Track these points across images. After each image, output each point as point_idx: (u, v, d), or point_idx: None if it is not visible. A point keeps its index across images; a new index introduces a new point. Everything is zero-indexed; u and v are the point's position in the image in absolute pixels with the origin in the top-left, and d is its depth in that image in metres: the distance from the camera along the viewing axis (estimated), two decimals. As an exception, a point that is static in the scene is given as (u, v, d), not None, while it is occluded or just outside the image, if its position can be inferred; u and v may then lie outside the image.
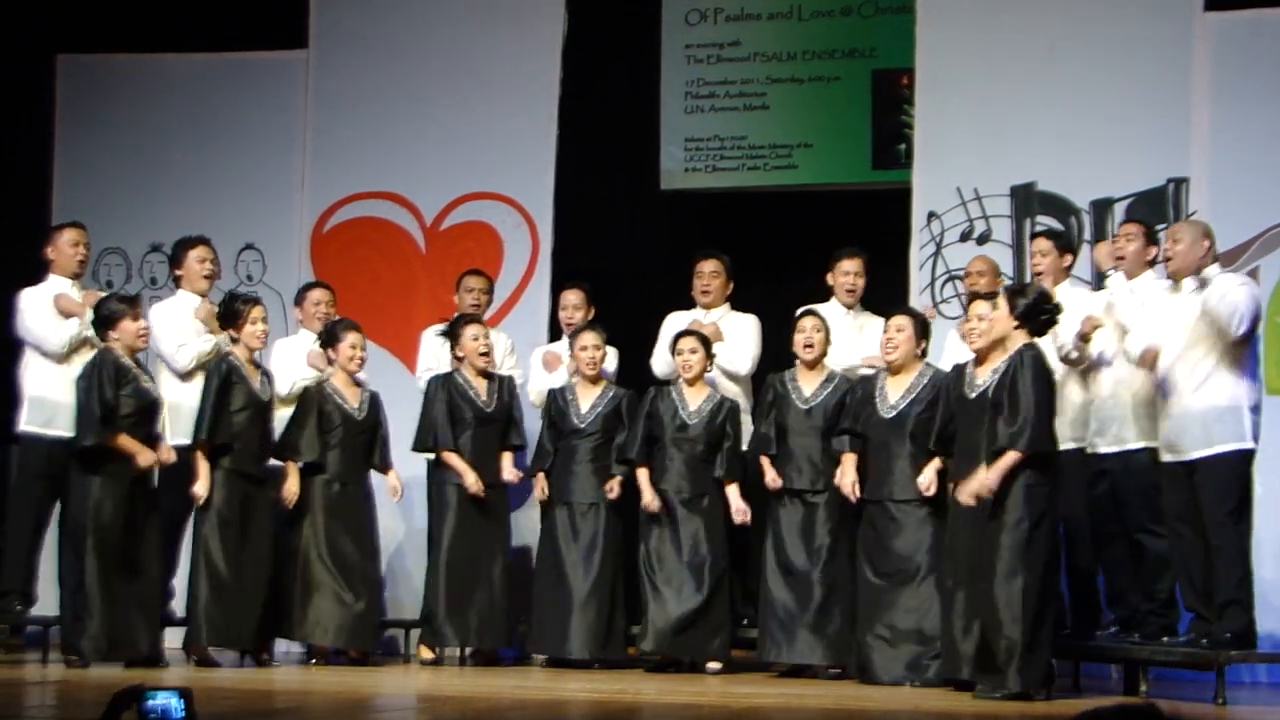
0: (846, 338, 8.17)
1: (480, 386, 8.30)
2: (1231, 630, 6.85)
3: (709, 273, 8.58)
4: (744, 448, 8.10)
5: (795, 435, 7.84)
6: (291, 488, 7.98)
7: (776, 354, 8.51)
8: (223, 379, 7.81)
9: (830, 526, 7.71)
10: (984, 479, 6.68)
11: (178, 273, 8.45)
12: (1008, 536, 6.66)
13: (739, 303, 8.65)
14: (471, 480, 8.16)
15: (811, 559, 7.71)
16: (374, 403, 8.26)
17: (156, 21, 10.03)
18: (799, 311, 8.04)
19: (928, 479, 7.31)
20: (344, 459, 8.09)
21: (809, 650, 7.67)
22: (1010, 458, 6.67)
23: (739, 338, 8.44)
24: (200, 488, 7.74)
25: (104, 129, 9.99)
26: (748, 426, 8.17)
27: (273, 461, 8.07)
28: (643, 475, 8.06)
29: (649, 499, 7.98)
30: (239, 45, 9.99)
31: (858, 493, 7.54)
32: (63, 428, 7.89)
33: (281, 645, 8.29)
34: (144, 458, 7.49)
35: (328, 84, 9.87)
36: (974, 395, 6.94)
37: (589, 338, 8.27)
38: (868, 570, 7.49)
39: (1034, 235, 8.28)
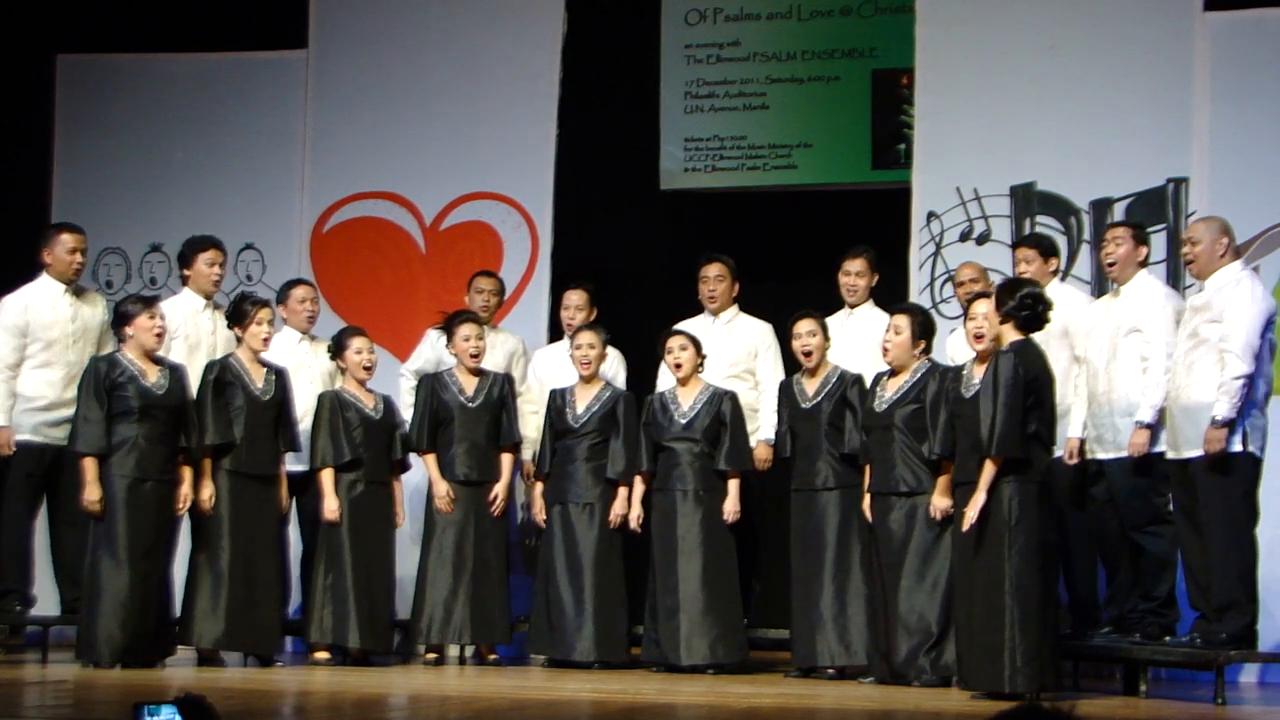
0: (846, 337, 8.17)
1: (468, 383, 8.30)
2: (1229, 631, 6.85)
3: (714, 276, 8.58)
4: (750, 436, 8.17)
5: (802, 436, 7.86)
6: (331, 505, 8.01)
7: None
8: (215, 381, 7.81)
9: (840, 523, 7.71)
10: (973, 500, 6.74)
11: (185, 272, 8.44)
12: (999, 537, 6.67)
13: (741, 304, 8.66)
14: (442, 491, 8.19)
15: (827, 556, 7.70)
16: (388, 404, 8.29)
17: (156, 21, 10.03)
18: (796, 314, 8.03)
19: (944, 503, 7.23)
20: (367, 460, 8.11)
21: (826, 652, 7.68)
22: (987, 467, 6.71)
23: (764, 359, 8.46)
24: (205, 492, 7.74)
25: (104, 129, 9.99)
26: (750, 415, 8.24)
27: (293, 467, 8.09)
28: (638, 489, 8.09)
29: (635, 516, 8.05)
30: (239, 45, 9.99)
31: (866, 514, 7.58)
32: (52, 430, 7.98)
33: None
34: (90, 493, 7.47)
35: (328, 84, 9.87)
36: (969, 396, 6.96)
37: (586, 337, 8.28)
38: (876, 564, 7.50)
39: (1016, 242, 8.28)
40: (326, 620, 7.98)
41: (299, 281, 8.79)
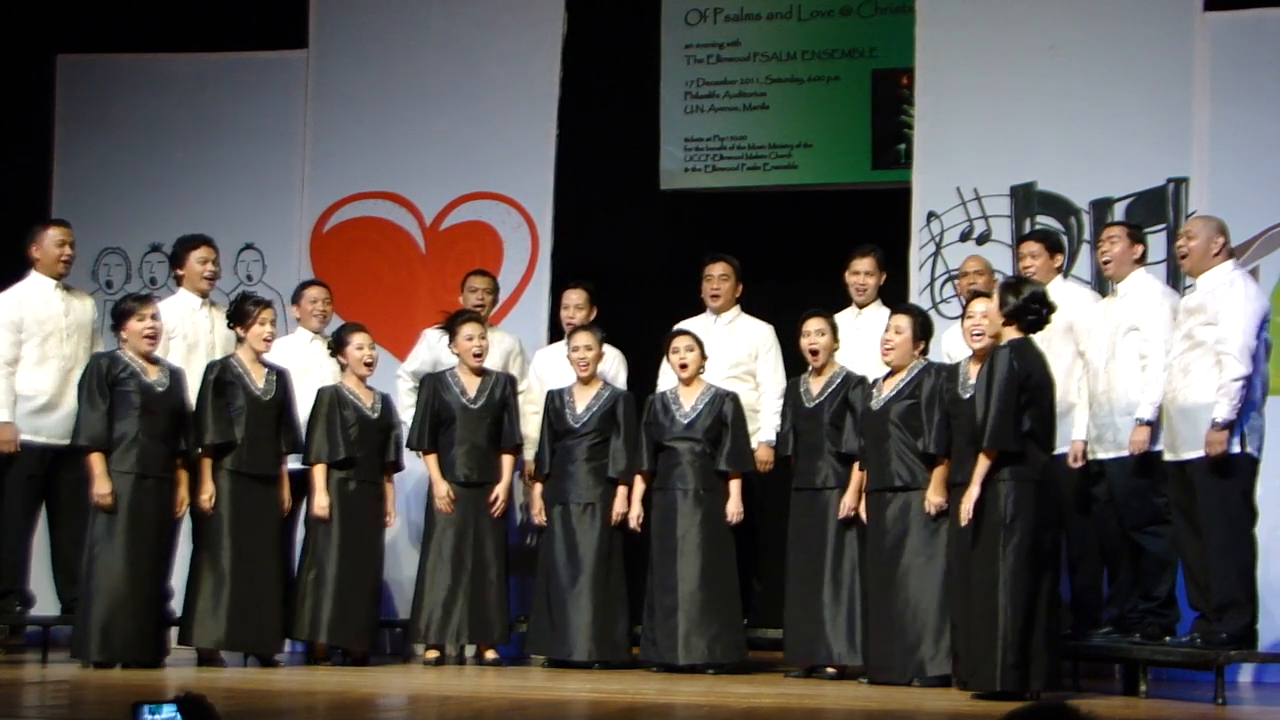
0: (856, 337, 8.16)
1: (470, 383, 8.30)
2: (1229, 631, 6.85)
3: (718, 276, 8.58)
4: (751, 437, 8.17)
5: (805, 435, 7.86)
6: (321, 502, 8.00)
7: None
8: (216, 381, 7.80)
9: (839, 522, 7.70)
10: (967, 493, 6.76)
11: (179, 272, 8.45)
12: (994, 536, 6.68)
13: (742, 304, 8.66)
14: (443, 491, 8.19)
15: (827, 555, 7.70)
16: (386, 403, 8.28)
17: (156, 21, 10.04)
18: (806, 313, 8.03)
19: (939, 499, 7.27)
20: (360, 459, 8.10)
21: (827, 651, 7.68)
22: (981, 461, 6.71)
23: (765, 360, 8.46)
24: (205, 493, 7.74)
25: (104, 129, 9.99)
26: (750, 416, 8.23)
27: (295, 465, 8.09)
28: (638, 488, 8.09)
29: (635, 515, 8.05)
30: (239, 45, 9.99)
31: (862, 515, 7.59)
32: (51, 430, 7.95)
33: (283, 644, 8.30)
34: (100, 487, 7.46)
35: (328, 84, 9.87)
36: (967, 395, 6.96)
37: (583, 338, 8.28)
38: (870, 563, 7.50)
39: (1022, 238, 8.30)
40: (304, 616, 7.98)
41: (313, 282, 8.82)
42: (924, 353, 7.60)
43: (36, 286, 8.18)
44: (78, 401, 7.64)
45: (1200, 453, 6.91)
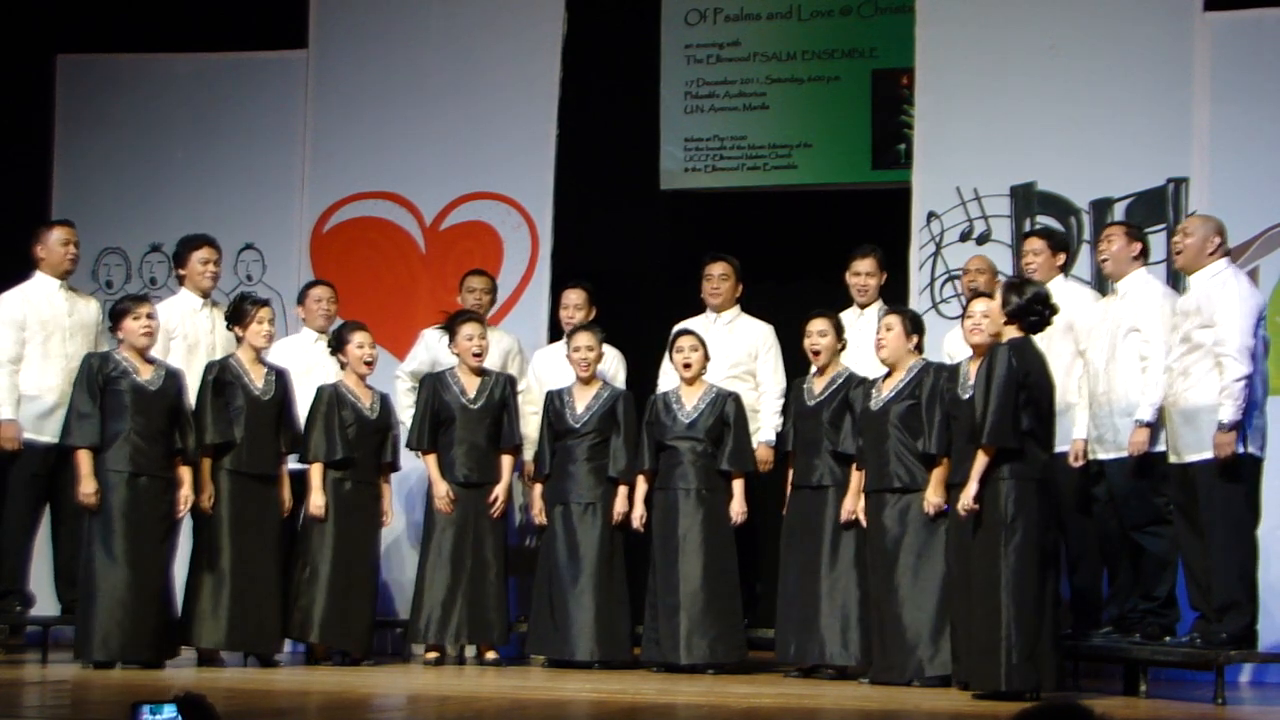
0: (858, 338, 8.16)
1: (469, 383, 8.30)
2: (1229, 632, 6.85)
3: (718, 275, 8.59)
4: (751, 437, 8.17)
5: (804, 433, 7.87)
6: (318, 501, 7.99)
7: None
8: (215, 381, 7.80)
9: (836, 521, 7.70)
10: (966, 489, 6.75)
11: (181, 272, 8.46)
12: (995, 535, 6.67)
13: (742, 304, 8.66)
14: (442, 491, 8.18)
15: (824, 554, 7.71)
16: (385, 403, 8.27)
17: (156, 21, 10.04)
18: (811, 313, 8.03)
19: (937, 499, 7.27)
20: (357, 459, 8.08)
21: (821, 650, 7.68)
22: (979, 458, 6.71)
23: (764, 361, 8.47)
24: (204, 493, 7.73)
25: (104, 129, 10.00)
26: (750, 416, 8.23)
27: (295, 465, 8.08)
28: (640, 488, 8.09)
29: (638, 514, 8.05)
30: (239, 45, 9.99)
31: (860, 518, 7.59)
32: (55, 429, 7.95)
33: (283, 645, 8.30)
34: (85, 486, 7.45)
35: (328, 84, 9.87)
36: (966, 396, 6.96)
37: (584, 338, 8.28)
38: (870, 563, 7.50)
39: (1026, 234, 8.31)
40: (296, 615, 7.97)
41: (318, 282, 8.83)
42: (919, 348, 7.61)
43: (41, 286, 8.19)
44: (71, 400, 7.64)
45: (1204, 454, 6.91)
